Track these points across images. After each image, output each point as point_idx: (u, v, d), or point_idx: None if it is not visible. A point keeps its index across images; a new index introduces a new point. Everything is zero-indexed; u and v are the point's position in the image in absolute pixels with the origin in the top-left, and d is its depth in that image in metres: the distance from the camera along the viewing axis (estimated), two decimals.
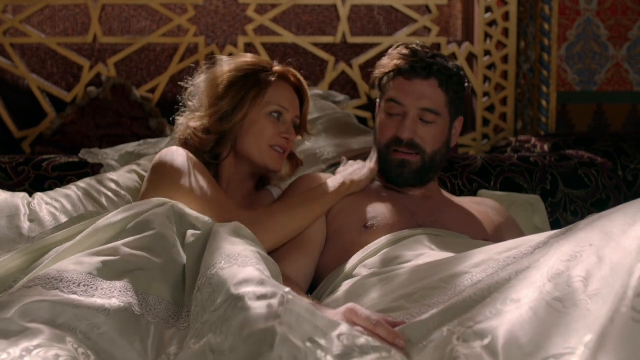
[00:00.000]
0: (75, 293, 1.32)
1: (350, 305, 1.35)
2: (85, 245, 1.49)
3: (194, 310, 1.32)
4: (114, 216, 1.54)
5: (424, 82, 1.82)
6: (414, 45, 1.88)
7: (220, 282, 1.27)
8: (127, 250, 1.44)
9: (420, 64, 1.82)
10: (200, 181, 1.73)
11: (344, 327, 1.18)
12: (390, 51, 1.90)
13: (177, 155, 1.78)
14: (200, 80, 1.89)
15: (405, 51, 1.86)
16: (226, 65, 1.87)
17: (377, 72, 1.90)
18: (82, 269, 1.37)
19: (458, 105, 1.88)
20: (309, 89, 1.95)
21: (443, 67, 1.82)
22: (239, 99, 1.82)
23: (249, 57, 1.91)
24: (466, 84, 1.88)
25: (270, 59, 1.94)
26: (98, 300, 1.32)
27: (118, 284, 1.37)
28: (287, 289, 1.21)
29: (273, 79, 1.85)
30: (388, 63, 1.87)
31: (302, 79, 1.92)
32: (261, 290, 1.20)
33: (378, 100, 1.93)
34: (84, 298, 1.31)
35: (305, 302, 1.22)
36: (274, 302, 1.17)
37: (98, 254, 1.43)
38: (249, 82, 1.83)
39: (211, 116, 1.83)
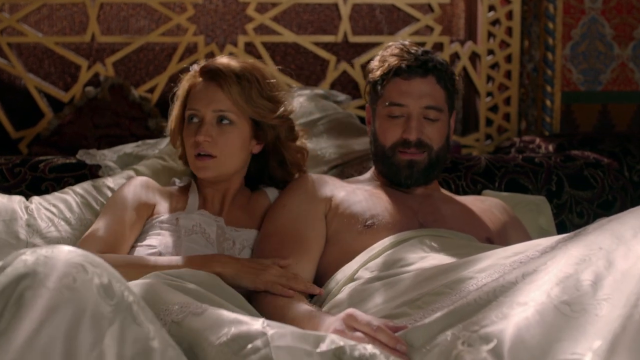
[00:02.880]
0: None
1: (349, 310, 1.32)
2: None
3: None
4: None
5: (423, 80, 1.78)
6: (405, 44, 1.83)
7: (193, 332, 1.23)
8: None
9: (416, 62, 1.78)
10: (107, 217, 1.73)
11: (334, 337, 1.18)
12: (381, 52, 1.85)
13: (122, 187, 1.81)
14: None
15: (397, 51, 1.81)
16: None
17: (371, 75, 1.84)
18: None
19: (453, 100, 1.86)
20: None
21: (438, 63, 1.80)
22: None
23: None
24: (457, 78, 1.86)
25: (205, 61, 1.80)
26: None
27: None
28: (262, 321, 1.20)
29: (189, 84, 1.81)
30: (381, 65, 1.81)
31: (215, 65, 1.73)
32: (241, 330, 1.18)
33: (370, 103, 1.87)
34: None
35: (288, 325, 1.23)
36: (259, 343, 1.15)
37: None
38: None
39: None
